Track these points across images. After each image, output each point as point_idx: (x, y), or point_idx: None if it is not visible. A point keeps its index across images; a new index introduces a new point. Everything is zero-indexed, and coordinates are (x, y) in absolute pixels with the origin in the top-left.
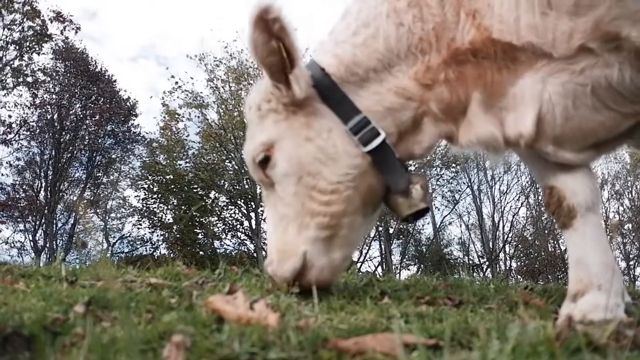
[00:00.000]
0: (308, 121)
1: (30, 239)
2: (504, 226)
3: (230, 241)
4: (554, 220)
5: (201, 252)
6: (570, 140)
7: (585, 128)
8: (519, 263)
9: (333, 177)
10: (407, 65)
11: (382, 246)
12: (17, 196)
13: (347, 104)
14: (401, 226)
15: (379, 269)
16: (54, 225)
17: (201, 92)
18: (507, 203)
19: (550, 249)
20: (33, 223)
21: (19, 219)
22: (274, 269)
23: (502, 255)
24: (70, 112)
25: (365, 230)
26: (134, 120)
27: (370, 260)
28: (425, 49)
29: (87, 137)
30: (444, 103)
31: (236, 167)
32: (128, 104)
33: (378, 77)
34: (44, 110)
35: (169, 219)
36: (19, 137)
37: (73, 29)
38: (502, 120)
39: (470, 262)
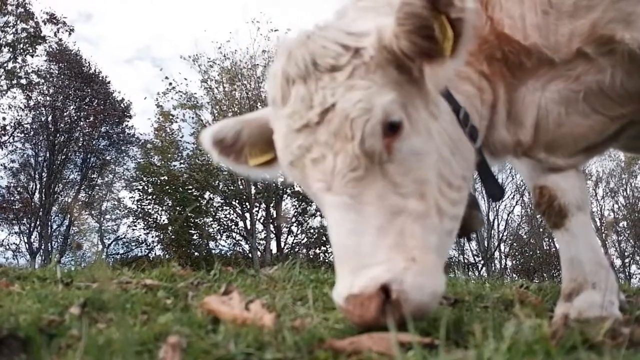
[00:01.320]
0: (428, 94)
1: (25, 241)
2: (499, 225)
3: (225, 242)
4: (544, 221)
5: (196, 253)
6: (561, 146)
7: (576, 133)
8: (514, 261)
9: (460, 169)
10: None
11: None
12: (12, 198)
13: (447, 92)
14: None
15: None
16: (49, 227)
17: (195, 93)
18: (502, 202)
19: (545, 247)
20: (28, 225)
21: (13, 221)
22: (406, 290)
23: (497, 253)
24: (65, 113)
25: None
26: (128, 121)
27: None
28: None
29: (81, 139)
30: (491, 97)
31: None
32: (122, 105)
33: None
34: (38, 112)
35: (164, 220)
36: (13, 139)
37: (67, 30)
38: (509, 127)
39: (466, 261)
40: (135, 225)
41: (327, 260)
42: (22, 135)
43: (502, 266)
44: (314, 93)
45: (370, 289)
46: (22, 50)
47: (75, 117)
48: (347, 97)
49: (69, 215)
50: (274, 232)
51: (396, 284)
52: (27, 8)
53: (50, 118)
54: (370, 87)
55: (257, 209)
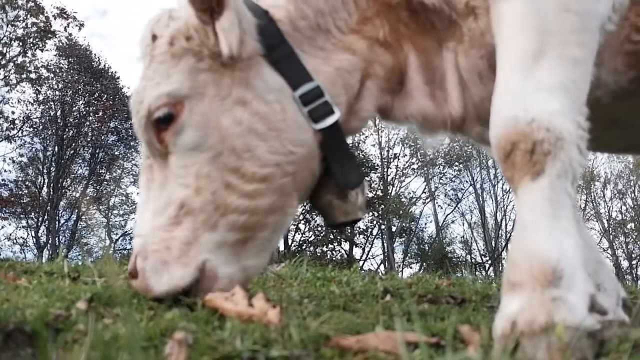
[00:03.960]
0: (245, 77)
1: (33, 235)
2: (506, 225)
3: None
4: None
5: None
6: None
7: None
8: None
9: (271, 156)
10: (348, 13)
11: (385, 244)
12: (20, 192)
13: (296, 64)
14: (404, 224)
15: (382, 267)
16: (57, 222)
17: None
18: (510, 201)
19: None
20: (36, 219)
21: (21, 216)
22: (147, 278)
23: (504, 253)
24: (74, 108)
25: (283, 232)
26: None
27: (373, 258)
28: None
29: (90, 134)
30: (387, 67)
31: None
32: None
33: (325, 25)
34: (47, 106)
35: None
36: (22, 133)
37: (77, 25)
38: (434, 97)
39: (473, 260)
40: None
41: (334, 258)
42: (31, 129)
43: None
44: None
45: (134, 252)
46: (32, 45)
47: (84, 112)
48: (139, 88)
49: (76, 210)
50: None
51: (141, 259)
52: (38, 2)
53: (59, 113)
54: (152, 79)
55: None
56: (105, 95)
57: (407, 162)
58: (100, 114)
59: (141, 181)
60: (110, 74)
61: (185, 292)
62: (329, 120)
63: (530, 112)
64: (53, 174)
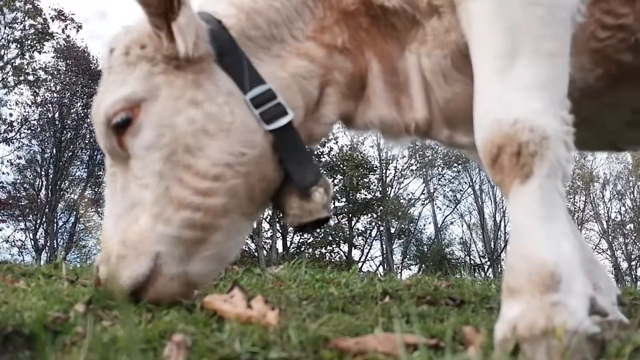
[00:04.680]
0: (197, 79)
1: (31, 237)
2: (505, 226)
3: None
4: None
5: None
6: (459, 122)
7: (466, 107)
8: None
9: (221, 155)
10: (303, 22)
11: (384, 246)
12: (18, 195)
13: (247, 69)
14: (403, 226)
15: (380, 269)
16: (55, 224)
17: None
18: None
19: None
20: (34, 222)
21: (19, 218)
22: (113, 269)
23: (503, 255)
24: (72, 110)
25: (242, 241)
26: None
27: (372, 260)
28: (317, 3)
29: (88, 136)
30: (348, 74)
31: None
32: None
33: (280, 35)
34: (45, 108)
35: None
36: (20, 135)
37: (75, 27)
38: (398, 102)
39: (472, 262)
40: None
41: (333, 260)
42: (29, 131)
43: None
44: None
45: (102, 268)
46: (29, 47)
47: (83, 114)
48: (97, 99)
49: (75, 212)
50: (280, 231)
51: (103, 267)
52: (35, 4)
53: (57, 115)
54: (109, 89)
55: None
56: None
57: (405, 163)
58: None
59: (106, 192)
60: None
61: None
62: (282, 121)
63: (512, 113)
64: (51, 176)
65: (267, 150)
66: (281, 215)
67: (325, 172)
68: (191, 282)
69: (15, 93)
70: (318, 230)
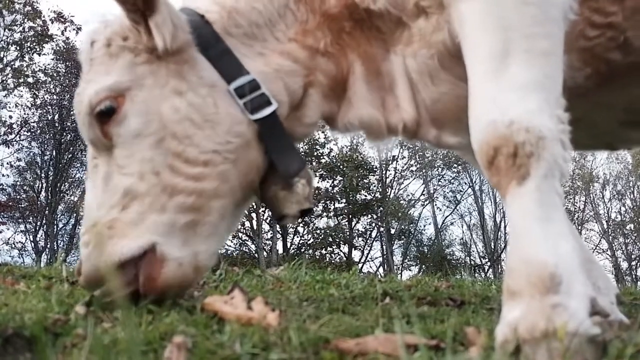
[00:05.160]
0: (180, 70)
1: (31, 239)
2: (505, 226)
3: (231, 242)
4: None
5: None
6: (447, 122)
7: (453, 107)
8: None
9: (209, 143)
10: (286, 25)
11: (384, 247)
12: (18, 197)
13: (231, 60)
14: (403, 226)
15: (381, 270)
16: (55, 226)
17: None
18: None
19: None
20: (34, 224)
21: (19, 220)
22: (95, 262)
23: (503, 255)
24: (71, 112)
25: (233, 225)
26: None
27: (372, 260)
28: (300, 7)
29: None
30: (330, 76)
31: None
32: None
33: (262, 35)
34: (44, 110)
35: None
36: (19, 137)
37: (74, 29)
38: (383, 103)
39: (472, 262)
40: None
41: (333, 261)
42: (29, 133)
43: None
44: None
45: (85, 265)
46: (29, 49)
47: None
48: (79, 89)
49: (75, 214)
50: (280, 232)
51: (89, 261)
52: (35, 6)
53: (57, 117)
54: (91, 80)
55: (263, 208)
56: None
57: (405, 164)
58: None
59: (87, 184)
60: None
61: (134, 283)
62: (266, 111)
63: (508, 114)
64: (51, 178)
65: (253, 139)
66: (264, 205)
67: (325, 173)
68: (198, 262)
69: (14, 95)
70: (301, 220)
